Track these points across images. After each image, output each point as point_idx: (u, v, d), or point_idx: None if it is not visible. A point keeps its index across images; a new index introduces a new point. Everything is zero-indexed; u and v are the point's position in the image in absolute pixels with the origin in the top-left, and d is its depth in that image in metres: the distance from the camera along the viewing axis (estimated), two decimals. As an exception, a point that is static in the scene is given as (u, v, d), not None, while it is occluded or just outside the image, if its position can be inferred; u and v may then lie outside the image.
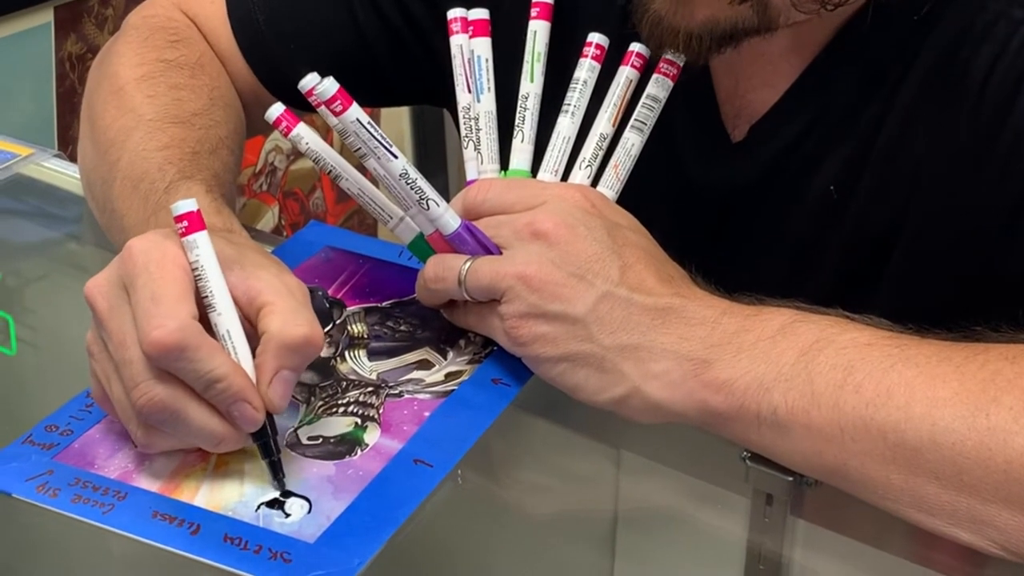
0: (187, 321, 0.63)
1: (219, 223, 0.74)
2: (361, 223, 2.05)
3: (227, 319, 0.65)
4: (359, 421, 0.71)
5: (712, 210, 0.87)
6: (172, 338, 0.62)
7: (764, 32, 0.74)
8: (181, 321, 0.63)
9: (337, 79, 0.70)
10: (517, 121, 0.82)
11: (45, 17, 1.45)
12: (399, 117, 2.08)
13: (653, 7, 0.74)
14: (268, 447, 0.66)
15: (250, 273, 0.67)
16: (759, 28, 0.74)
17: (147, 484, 0.66)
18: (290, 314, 0.66)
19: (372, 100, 1.02)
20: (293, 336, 0.65)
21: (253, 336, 0.66)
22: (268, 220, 1.90)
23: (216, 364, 0.63)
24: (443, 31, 0.85)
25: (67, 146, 1.50)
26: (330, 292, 0.81)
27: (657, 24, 0.75)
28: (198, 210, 0.66)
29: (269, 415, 0.66)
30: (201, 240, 0.66)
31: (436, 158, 2.08)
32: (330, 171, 0.77)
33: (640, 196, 0.79)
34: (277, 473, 0.66)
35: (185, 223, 0.66)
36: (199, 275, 0.65)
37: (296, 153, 1.91)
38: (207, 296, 0.65)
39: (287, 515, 0.65)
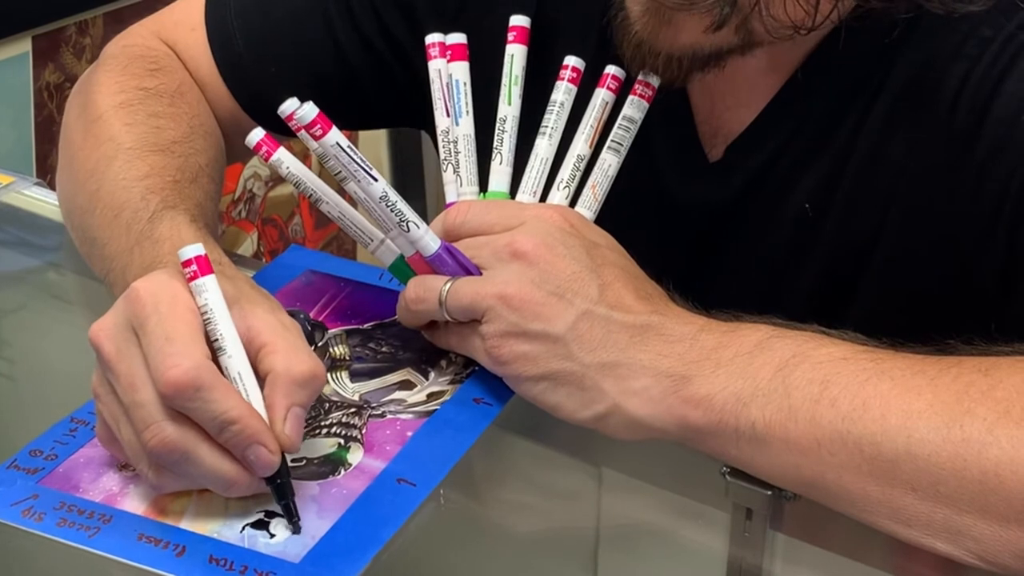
0: (202, 361, 0.63)
1: None
2: (339, 248, 2.05)
3: (238, 361, 0.66)
4: (342, 442, 0.71)
5: (691, 228, 0.88)
6: (188, 377, 0.62)
7: (747, 52, 0.76)
8: (196, 360, 0.63)
9: (319, 102, 0.71)
10: (495, 143, 0.83)
11: (23, 47, 1.45)
12: (376, 141, 2.09)
13: (635, 28, 0.75)
14: (282, 490, 0.66)
15: (247, 312, 0.67)
16: (742, 49, 0.75)
17: (132, 507, 0.66)
18: (293, 351, 0.66)
19: (354, 123, 1.03)
20: (301, 372, 0.66)
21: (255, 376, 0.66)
22: (247, 247, 1.90)
23: (231, 405, 0.63)
24: (423, 51, 0.86)
25: (46, 175, 1.49)
26: (312, 315, 0.82)
27: (639, 46, 0.76)
28: (205, 254, 0.67)
29: (283, 458, 0.66)
30: (210, 284, 0.66)
31: (414, 182, 2.09)
32: (310, 195, 0.78)
33: (620, 215, 0.80)
34: (292, 516, 0.66)
35: (194, 267, 0.66)
36: (208, 318, 0.66)
37: (274, 180, 1.91)
38: (217, 339, 0.66)
39: (272, 535, 0.65)
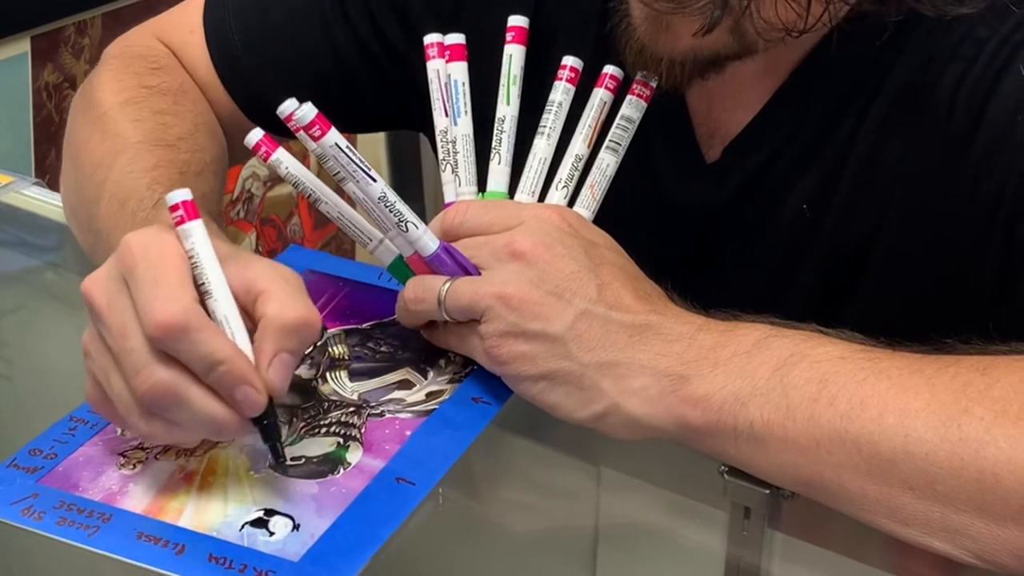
0: (190, 303, 0.64)
1: None
2: (338, 248, 2.06)
3: (224, 305, 0.66)
4: (341, 441, 0.72)
5: (689, 229, 0.88)
6: (176, 319, 0.63)
7: (745, 56, 0.76)
8: (184, 303, 0.63)
9: (316, 105, 0.71)
10: (494, 143, 0.83)
11: (22, 47, 1.45)
12: (375, 143, 2.09)
13: (637, 35, 0.76)
14: (269, 431, 0.66)
15: (246, 264, 0.67)
16: (740, 53, 0.75)
17: (131, 506, 0.67)
18: (287, 298, 0.66)
19: (351, 125, 1.03)
20: (291, 318, 0.66)
21: (252, 330, 0.67)
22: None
23: (218, 346, 0.64)
24: (419, 54, 0.87)
25: (44, 175, 1.50)
26: (311, 314, 0.82)
27: (641, 51, 0.76)
28: (192, 200, 0.67)
29: (269, 399, 0.66)
30: (195, 228, 0.66)
31: (412, 184, 2.09)
32: (309, 195, 0.78)
33: (618, 216, 0.81)
34: (279, 456, 0.66)
35: (180, 212, 0.67)
36: (195, 263, 0.66)
37: (273, 180, 1.91)
38: (203, 283, 0.66)
39: (271, 534, 0.65)
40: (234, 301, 0.66)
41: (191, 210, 0.67)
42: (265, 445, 0.67)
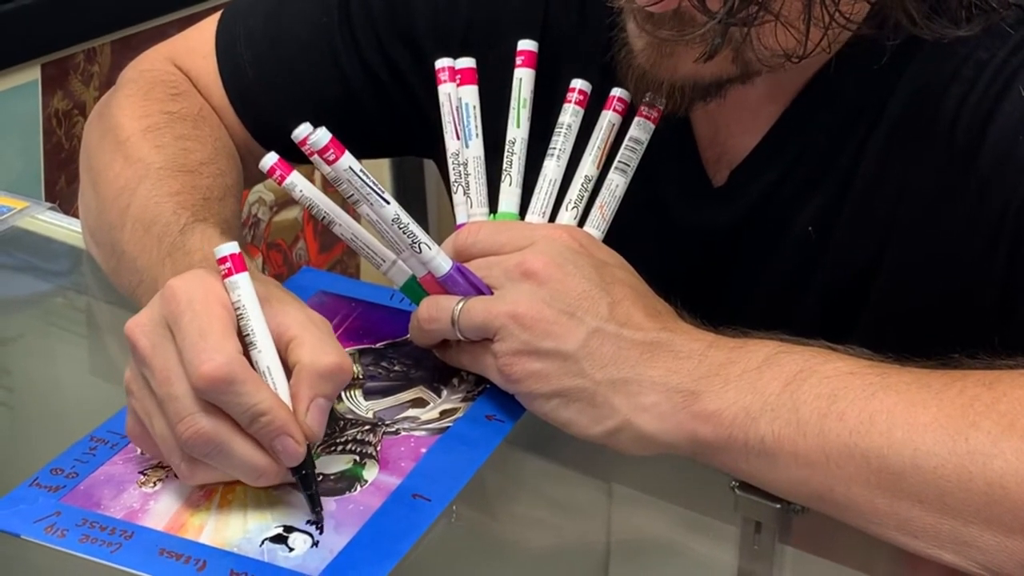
0: (235, 355, 0.66)
1: None
2: (343, 272, 2.07)
3: (268, 356, 0.68)
4: (358, 458, 0.73)
5: (696, 251, 0.89)
6: (221, 371, 0.65)
7: (746, 81, 0.77)
8: (229, 355, 0.65)
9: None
10: (504, 165, 0.84)
11: (32, 74, 1.47)
12: (379, 168, 2.10)
13: (638, 61, 0.77)
14: (307, 480, 0.68)
15: (277, 309, 0.70)
16: (741, 78, 0.77)
17: (153, 523, 0.68)
18: (319, 344, 0.69)
19: (359, 151, 1.03)
20: (325, 364, 0.68)
21: (284, 369, 0.69)
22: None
23: (261, 398, 0.66)
24: (427, 81, 0.88)
25: (55, 200, 1.51)
26: (325, 335, 0.83)
27: (642, 77, 0.78)
28: (240, 253, 0.69)
29: (308, 449, 0.68)
30: (243, 281, 0.69)
31: (417, 207, 2.10)
32: (324, 217, 0.79)
33: (626, 238, 0.82)
34: (315, 506, 0.68)
35: (228, 264, 0.69)
36: (241, 314, 0.68)
37: (279, 205, 1.92)
38: (248, 334, 0.68)
39: (291, 549, 0.66)
40: (276, 352, 0.68)
41: (239, 262, 0.69)
42: (304, 495, 0.68)
